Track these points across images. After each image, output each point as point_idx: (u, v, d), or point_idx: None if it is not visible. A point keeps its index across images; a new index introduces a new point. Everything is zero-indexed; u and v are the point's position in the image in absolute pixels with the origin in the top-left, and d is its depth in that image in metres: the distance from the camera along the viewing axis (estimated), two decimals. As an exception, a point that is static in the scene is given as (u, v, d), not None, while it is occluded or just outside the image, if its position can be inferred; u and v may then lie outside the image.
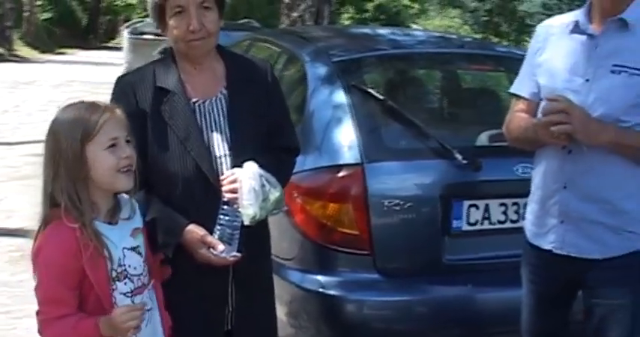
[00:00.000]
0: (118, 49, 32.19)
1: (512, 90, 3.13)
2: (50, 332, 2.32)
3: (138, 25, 21.26)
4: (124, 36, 21.34)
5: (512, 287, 3.35)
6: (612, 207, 2.77)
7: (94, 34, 40.25)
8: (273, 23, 16.65)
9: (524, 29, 17.58)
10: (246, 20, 19.93)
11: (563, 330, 3.07)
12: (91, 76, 20.71)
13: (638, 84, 2.69)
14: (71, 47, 32.87)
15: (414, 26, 37.22)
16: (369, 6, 32.43)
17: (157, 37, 18.26)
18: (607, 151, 2.71)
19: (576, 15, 2.91)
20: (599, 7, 2.81)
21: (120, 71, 18.29)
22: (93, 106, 2.37)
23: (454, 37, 6.10)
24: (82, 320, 2.29)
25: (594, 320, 2.87)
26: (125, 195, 2.48)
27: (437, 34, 6.60)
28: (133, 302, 2.39)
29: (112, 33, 44.75)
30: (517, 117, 3.02)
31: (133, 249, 2.44)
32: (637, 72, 2.69)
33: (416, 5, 36.96)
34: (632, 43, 2.73)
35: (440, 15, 36.99)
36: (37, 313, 2.33)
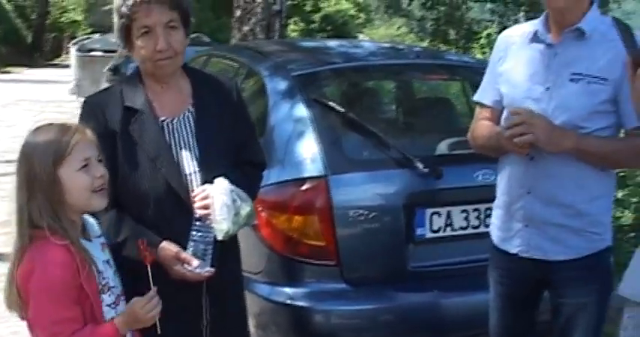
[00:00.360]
0: (65, 66, 31.82)
1: (476, 98, 3.21)
2: None
3: (85, 41, 21.12)
4: (72, 53, 21.09)
5: (477, 292, 3.49)
6: (574, 210, 2.85)
7: (39, 52, 39.78)
8: (221, 37, 16.67)
9: (471, 36, 17.76)
10: (195, 35, 19.95)
11: (532, 330, 3.15)
12: (39, 94, 20.42)
13: (596, 91, 2.77)
14: (17, 65, 32.46)
15: (361, 36, 37.49)
16: (316, 17, 32.58)
17: (105, 54, 18.26)
18: (568, 157, 2.79)
19: (535, 24, 2.98)
20: (554, 18, 2.90)
21: (68, 89, 18.21)
22: (63, 128, 2.39)
23: (404, 47, 6.22)
24: (97, 329, 2.33)
25: (561, 320, 2.96)
26: None
27: (387, 45, 6.71)
28: (116, 312, 2.42)
29: (58, 50, 44.22)
30: (481, 125, 3.10)
31: (107, 262, 2.48)
32: (595, 80, 2.77)
33: (362, 15, 37.25)
34: (589, 51, 2.81)
35: (386, 24, 37.33)
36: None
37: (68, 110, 16.40)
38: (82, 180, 2.36)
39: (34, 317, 2.32)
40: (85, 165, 2.37)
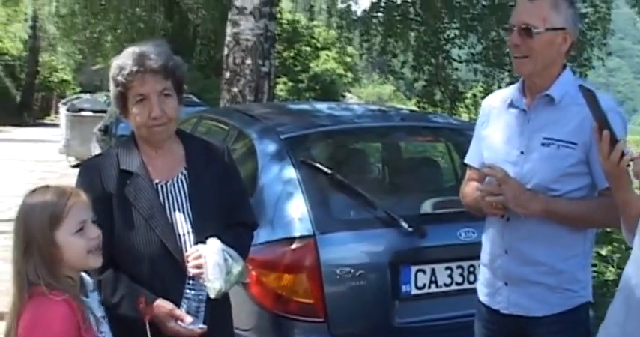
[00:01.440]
0: (54, 125, 31.88)
1: (466, 160, 3.36)
2: None
3: (75, 101, 21.27)
4: (62, 112, 21.21)
5: (461, 347, 3.55)
6: (549, 268, 2.97)
7: (28, 111, 39.88)
8: (208, 97, 16.83)
9: (457, 96, 17.98)
10: (185, 96, 20.07)
11: None
12: (28, 153, 20.46)
13: (565, 155, 2.91)
14: (5, 125, 32.54)
15: (348, 95, 37.73)
16: (304, 76, 32.79)
17: (94, 114, 18.37)
18: (541, 219, 2.92)
19: (513, 89, 3.15)
20: (527, 83, 3.06)
21: (58, 148, 18.27)
22: (59, 191, 2.49)
23: (392, 109, 6.38)
24: None
25: None
26: None
27: (375, 108, 6.89)
28: None
29: (47, 109, 44.34)
30: (469, 185, 3.25)
31: (103, 317, 2.58)
32: (564, 144, 2.91)
33: (349, 74, 37.51)
34: (558, 116, 2.95)
35: (373, 83, 37.58)
36: None
37: (57, 170, 16.52)
38: (79, 243, 2.46)
39: None
40: (81, 229, 2.47)
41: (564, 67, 3.05)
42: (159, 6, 22.50)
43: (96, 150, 14.00)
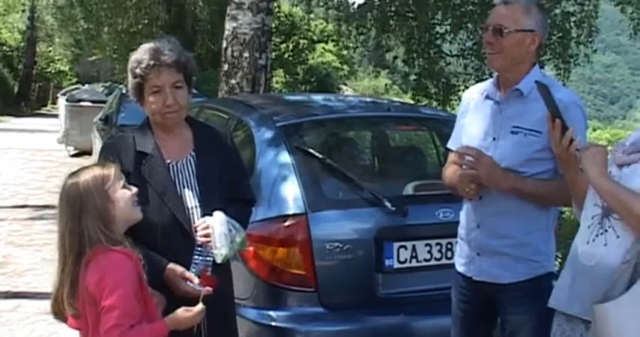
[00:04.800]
0: (51, 116, 31.87)
1: (448, 145, 3.73)
2: None
3: (74, 92, 21.30)
4: (61, 103, 21.21)
5: (439, 316, 3.93)
6: (516, 241, 3.34)
7: (26, 102, 39.90)
8: (206, 88, 17.04)
9: (450, 89, 18.19)
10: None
11: None
12: (26, 143, 20.72)
13: (531, 142, 3.27)
14: (3, 115, 32.59)
15: (344, 88, 37.64)
16: (300, 69, 32.67)
17: (93, 104, 18.52)
18: (510, 196, 3.29)
19: (490, 83, 3.52)
20: (500, 77, 3.43)
21: (56, 138, 18.41)
22: (100, 163, 3.00)
23: (384, 101, 6.65)
24: (153, 324, 2.80)
25: (506, 333, 3.45)
26: None
27: (367, 99, 7.18)
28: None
29: (44, 100, 44.33)
30: (450, 167, 3.60)
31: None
32: (530, 132, 3.28)
33: (345, 67, 37.48)
34: (526, 108, 3.31)
35: (369, 76, 37.50)
36: (111, 327, 2.69)
37: (56, 159, 16.74)
38: (127, 196, 2.90)
39: (108, 306, 2.70)
40: (124, 185, 2.90)
41: (534, 64, 3.40)
42: (157, -2, 22.59)
43: (96, 139, 14.19)
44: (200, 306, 2.99)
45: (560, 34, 16.23)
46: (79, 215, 2.80)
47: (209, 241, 3.14)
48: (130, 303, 2.72)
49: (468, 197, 3.42)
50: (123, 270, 2.76)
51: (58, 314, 2.89)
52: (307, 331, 4.08)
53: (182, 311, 2.95)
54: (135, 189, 2.95)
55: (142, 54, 3.23)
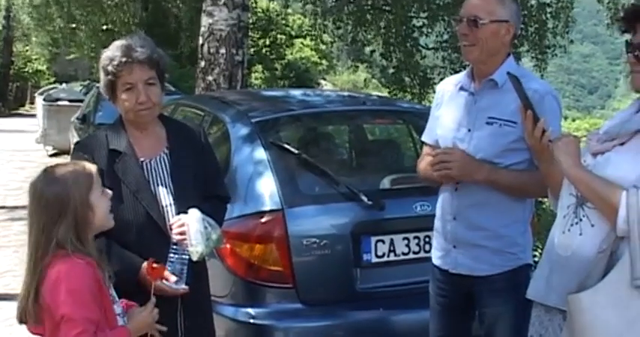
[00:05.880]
0: (29, 116, 31.65)
1: (422, 138, 3.71)
2: None
3: (51, 91, 21.18)
4: (38, 102, 21.08)
5: (418, 309, 3.92)
6: (492, 233, 3.34)
7: (3, 102, 39.59)
8: (183, 85, 16.99)
9: (426, 83, 18.22)
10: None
11: (466, 334, 3.63)
12: (4, 143, 20.32)
13: (507, 133, 3.26)
14: (-19, 115, 32.35)
15: (323, 83, 37.64)
16: (278, 64, 32.67)
17: (71, 103, 18.45)
18: (486, 188, 3.28)
19: (464, 75, 3.51)
20: (475, 69, 3.42)
21: (35, 138, 18.32)
22: (79, 163, 2.81)
23: (360, 95, 6.64)
24: (115, 331, 2.68)
25: (484, 325, 3.45)
26: None
27: (344, 93, 7.17)
28: (124, 322, 2.80)
29: (22, 100, 44.02)
30: (425, 160, 3.58)
31: (110, 278, 2.84)
32: (506, 123, 3.26)
33: (324, 62, 37.48)
34: (501, 99, 3.29)
35: (348, 70, 37.54)
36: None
37: (35, 159, 16.47)
38: (104, 203, 2.78)
39: (67, 315, 2.54)
40: (103, 191, 2.80)
41: (509, 55, 3.39)
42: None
43: (74, 138, 14.08)
44: (152, 300, 2.91)
45: (537, 25, 16.29)
46: (57, 221, 2.68)
47: (184, 239, 3.13)
48: (88, 310, 2.59)
49: (448, 181, 3.40)
50: (78, 277, 2.62)
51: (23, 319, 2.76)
52: (286, 327, 4.08)
53: (136, 314, 2.88)
54: (110, 195, 2.84)
55: (113, 51, 3.21)
